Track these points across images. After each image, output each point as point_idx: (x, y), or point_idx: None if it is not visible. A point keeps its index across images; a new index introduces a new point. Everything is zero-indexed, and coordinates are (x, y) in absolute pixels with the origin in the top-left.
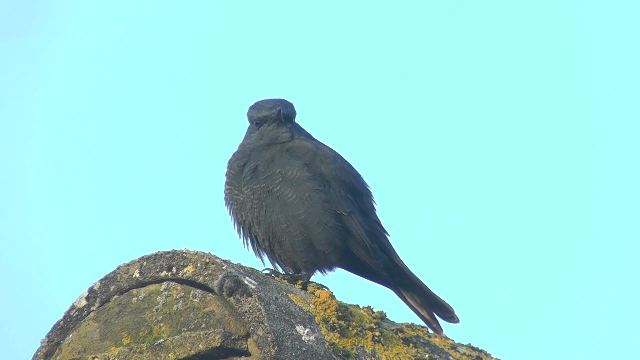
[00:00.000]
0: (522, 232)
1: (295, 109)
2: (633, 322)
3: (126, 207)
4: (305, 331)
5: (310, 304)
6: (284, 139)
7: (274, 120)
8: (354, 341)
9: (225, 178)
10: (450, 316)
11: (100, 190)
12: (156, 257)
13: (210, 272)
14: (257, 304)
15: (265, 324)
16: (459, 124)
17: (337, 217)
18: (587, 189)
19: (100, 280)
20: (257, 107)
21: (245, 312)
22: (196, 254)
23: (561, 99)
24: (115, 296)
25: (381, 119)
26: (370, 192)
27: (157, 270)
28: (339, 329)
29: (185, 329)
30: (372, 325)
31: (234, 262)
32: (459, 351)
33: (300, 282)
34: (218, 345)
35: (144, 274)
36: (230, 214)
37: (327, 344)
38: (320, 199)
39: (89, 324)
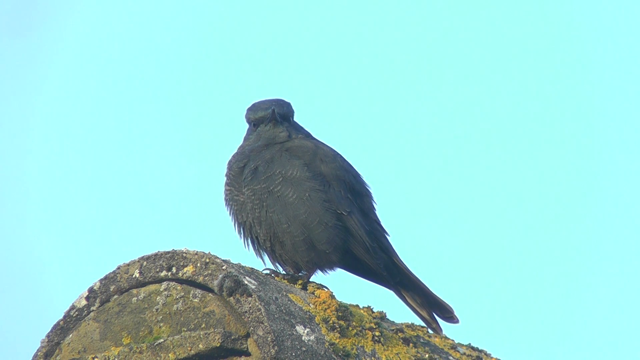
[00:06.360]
0: (521, 232)
1: (293, 107)
2: (633, 322)
3: (126, 207)
4: (305, 331)
5: (310, 304)
6: (281, 138)
7: (269, 120)
8: (354, 341)
9: (225, 179)
10: (450, 316)
11: (100, 190)
12: (156, 257)
13: (210, 272)
14: (257, 304)
15: (265, 324)
16: (459, 123)
17: (338, 216)
18: (586, 189)
19: (100, 280)
20: (253, 108)
21: (245, 312)
22: (196, 254)
23: (561, 99)
24: (115, 296)
25: (381, 119)
26: (369, 191)
27: (157, 270)
28: (339, 329)
29: (185, 329)
30: (372, 325)
31: (234, 262)
32: (459, 351)
33: (300, 282)
34: (218, 345)
35: (144, 274)
36: (230, 214)
37: (327, 344)
38: (321, 198)
39: (89, 324)
